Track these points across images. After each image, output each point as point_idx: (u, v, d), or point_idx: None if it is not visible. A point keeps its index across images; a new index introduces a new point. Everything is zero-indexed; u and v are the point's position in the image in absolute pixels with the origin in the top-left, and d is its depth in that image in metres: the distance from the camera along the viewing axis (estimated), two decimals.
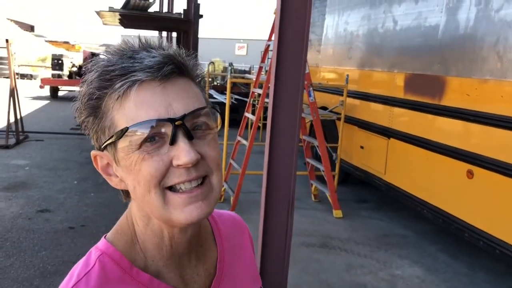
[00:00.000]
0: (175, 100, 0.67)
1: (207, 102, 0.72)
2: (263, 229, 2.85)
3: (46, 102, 15.31)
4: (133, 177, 0.68)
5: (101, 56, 0.70)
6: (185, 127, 0.66)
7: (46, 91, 16.94)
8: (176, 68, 0.68)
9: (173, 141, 0.66)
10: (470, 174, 3.90)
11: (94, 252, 0.74)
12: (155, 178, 0.66)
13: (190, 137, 0.66)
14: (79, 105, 0.71)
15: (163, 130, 0.66)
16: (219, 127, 0.73)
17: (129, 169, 0.68)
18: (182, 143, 0.66)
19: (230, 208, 5.24)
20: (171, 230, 0.74)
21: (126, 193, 0.76)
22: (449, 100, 4.20)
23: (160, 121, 0.65)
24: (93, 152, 0.73)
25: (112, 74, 0.66)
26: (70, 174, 6.66)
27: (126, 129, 0.65)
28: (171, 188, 0.68)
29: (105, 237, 0.77)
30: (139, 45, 0.70)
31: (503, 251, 3.58)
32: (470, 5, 4.00)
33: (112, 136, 0.68)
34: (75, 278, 0.70)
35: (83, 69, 0.73)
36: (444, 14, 4.33)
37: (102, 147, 0.71)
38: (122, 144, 0.67)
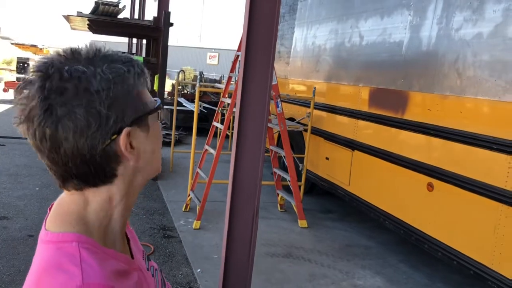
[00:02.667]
0: None
1: None
2: (227, 237, 2.85)
3: (10, 106, 14.88)
4: (157, 141, 0.84)
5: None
6: None
7: (10, 95, 16.47)
8: None
9: None
10: (430, 186, 4.02)
11: (70, 245, 0.74)
12: None
13: None
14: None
15: None
16: None
17: (156, 136, 0.84)
18: None
19: (196, 218, 5.21)
20: (125, 213, 0.84)
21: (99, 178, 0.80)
22: (411, 114, 4.33)
23: None
24: (126, 130, 0.76)
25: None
26: (31, 181, 6.48)
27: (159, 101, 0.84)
28: None
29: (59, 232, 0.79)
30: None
31: (460, 262, 3.69)
32: (433, 24, 4.15)
33: (152, 109, 0.81)
34: (74, 272, 0.70)
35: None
36: (408, 31, 4.48)
37: (132, 122, 0.77)
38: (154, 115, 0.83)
